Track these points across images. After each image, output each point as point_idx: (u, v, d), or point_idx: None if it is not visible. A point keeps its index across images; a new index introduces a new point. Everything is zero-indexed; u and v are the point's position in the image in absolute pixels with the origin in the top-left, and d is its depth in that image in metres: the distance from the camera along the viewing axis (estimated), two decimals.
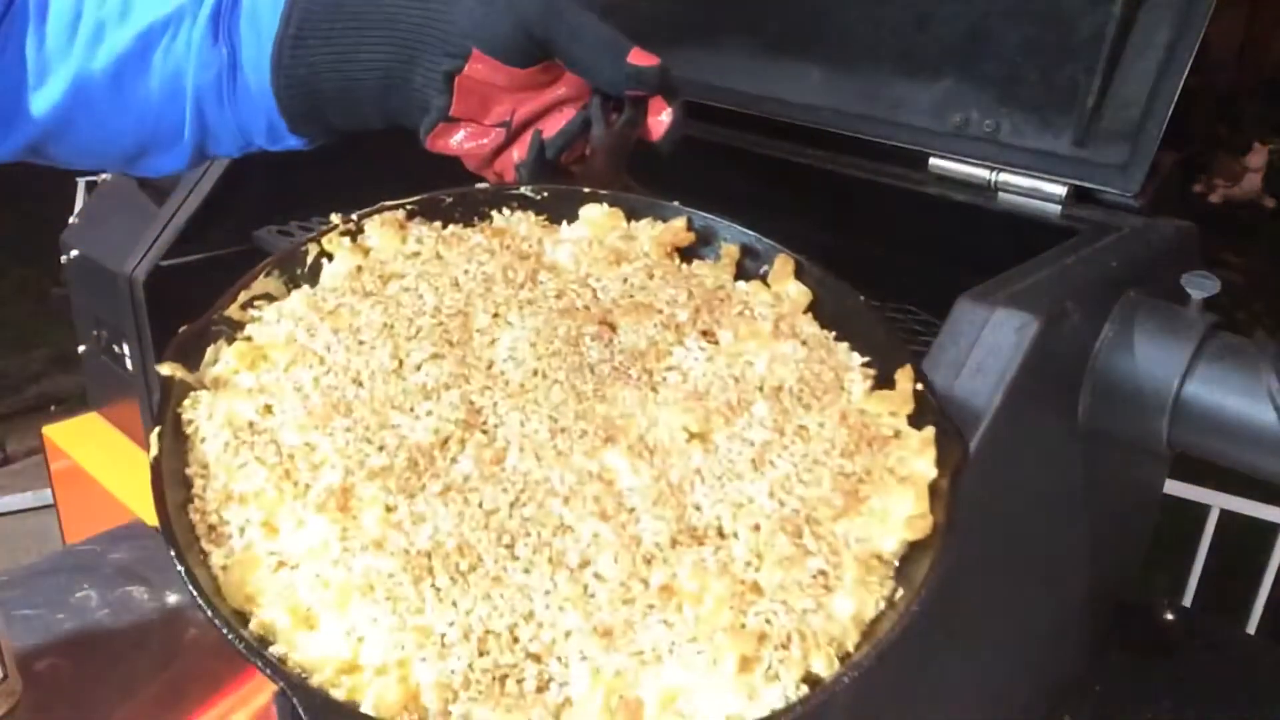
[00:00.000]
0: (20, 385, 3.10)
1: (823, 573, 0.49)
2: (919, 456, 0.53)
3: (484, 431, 0.53)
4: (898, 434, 0.55)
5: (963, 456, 0.52)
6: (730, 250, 0.65)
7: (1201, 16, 0.77)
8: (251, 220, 1.06)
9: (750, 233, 0.65)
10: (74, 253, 1.12)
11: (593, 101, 0.68)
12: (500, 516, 0.49)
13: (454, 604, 0.46)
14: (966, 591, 0.64)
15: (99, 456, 1.19)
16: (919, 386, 0.56)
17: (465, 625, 0.45)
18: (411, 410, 0.53)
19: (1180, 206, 0.84)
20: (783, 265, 0.63)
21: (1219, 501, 1.66)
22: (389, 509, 0.49)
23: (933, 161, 0.88)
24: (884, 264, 0.99)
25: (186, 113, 0.69)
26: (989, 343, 0.60)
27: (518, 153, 0.70)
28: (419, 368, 0.55)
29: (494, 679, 0.44)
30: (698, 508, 0.51)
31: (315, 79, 0.67)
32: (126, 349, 1.10)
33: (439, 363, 0.55)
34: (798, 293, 0.62)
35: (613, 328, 0.58)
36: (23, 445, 2.91)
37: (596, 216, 0.65)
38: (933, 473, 0.52)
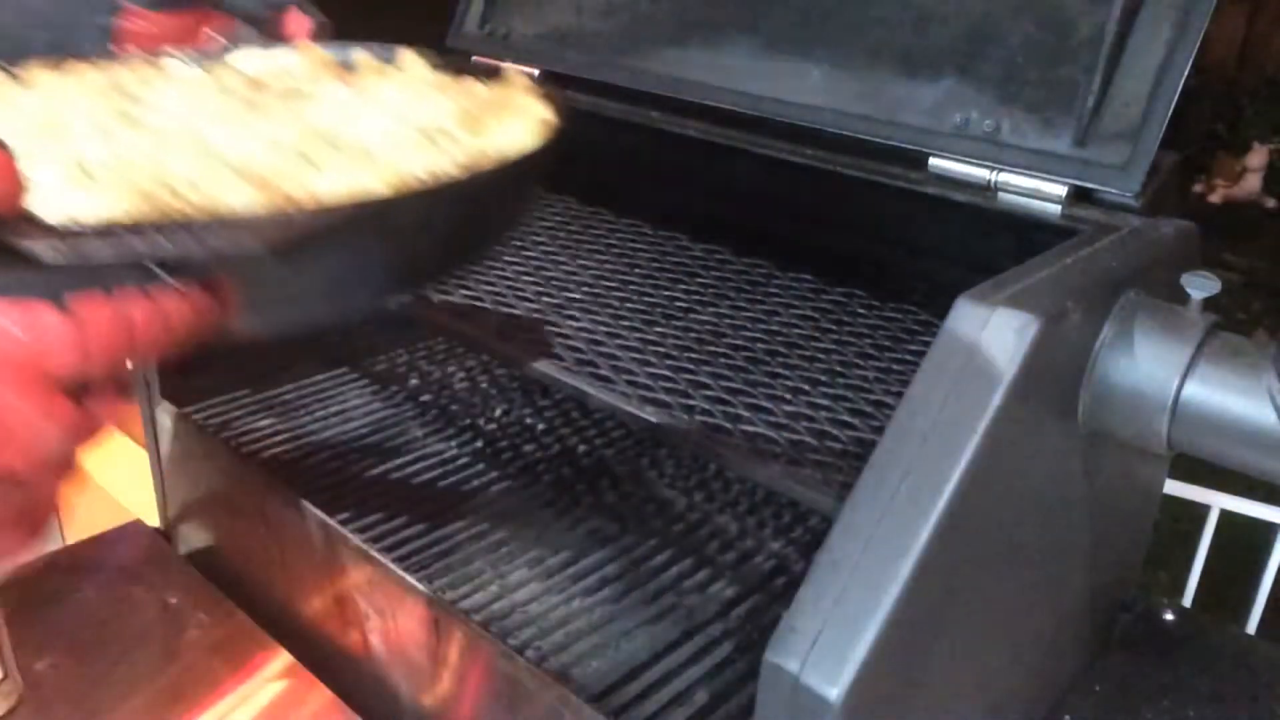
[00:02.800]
0: None
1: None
2: (525, 96, 0.63)
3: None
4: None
5: (561, 103, 0.61)
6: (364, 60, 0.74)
7: (1202, 16, 0.77)
8: None
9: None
10: None
11: (238, 28, 0.80)
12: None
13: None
14: (966, 592, 0.64)
15: (99, 456, 1.19)
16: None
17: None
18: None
19: (1180, 206, 0.83)
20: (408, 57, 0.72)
21: (1219, 501, 1.65)
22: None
23: (933, 161, 0.88)
24: (884, 264, 0.99)
25: None
26: (989, 343, 0.60)
27: None
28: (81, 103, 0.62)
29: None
30: (338, 136, 0.57)
31: None
32: None
33: (100, 101, 0.61)
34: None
35: (259, 85, 0.67)
36: None
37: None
38: (541, 110, 0.61)
